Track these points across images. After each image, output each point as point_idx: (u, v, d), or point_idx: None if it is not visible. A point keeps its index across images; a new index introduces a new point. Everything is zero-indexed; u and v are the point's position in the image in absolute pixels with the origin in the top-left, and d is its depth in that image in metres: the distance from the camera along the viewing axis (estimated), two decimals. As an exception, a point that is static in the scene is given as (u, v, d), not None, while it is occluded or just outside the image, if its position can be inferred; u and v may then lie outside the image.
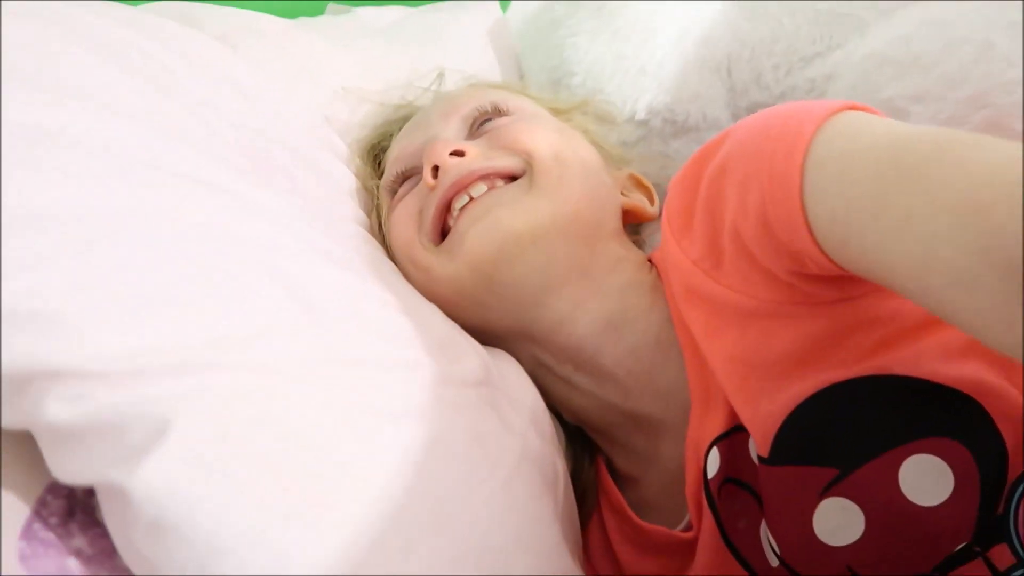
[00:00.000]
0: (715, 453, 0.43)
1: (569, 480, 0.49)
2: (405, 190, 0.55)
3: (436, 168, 0.50)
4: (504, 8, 0.83)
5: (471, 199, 0.49)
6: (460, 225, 0.49)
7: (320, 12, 0.82)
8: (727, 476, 0.43)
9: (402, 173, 0.56)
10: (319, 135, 0.59)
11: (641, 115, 0.68)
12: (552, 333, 0.49)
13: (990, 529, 0.35)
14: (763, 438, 0.40)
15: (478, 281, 0.48)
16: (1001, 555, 0.35)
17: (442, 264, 0.49)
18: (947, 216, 0.29)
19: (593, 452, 0.54)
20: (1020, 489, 0.35)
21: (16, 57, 0.38)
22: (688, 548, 0.46)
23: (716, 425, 0.44)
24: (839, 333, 0.39)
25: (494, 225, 0.47)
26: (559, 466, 0.47)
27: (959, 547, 0.36)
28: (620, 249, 0.53)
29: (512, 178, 0.50)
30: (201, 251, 0.36)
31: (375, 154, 0.61)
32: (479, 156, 0.51)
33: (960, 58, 0.54)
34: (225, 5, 0.66)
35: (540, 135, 0.52)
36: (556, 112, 0.60)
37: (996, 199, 0.27)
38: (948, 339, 0.38)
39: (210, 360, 0.32)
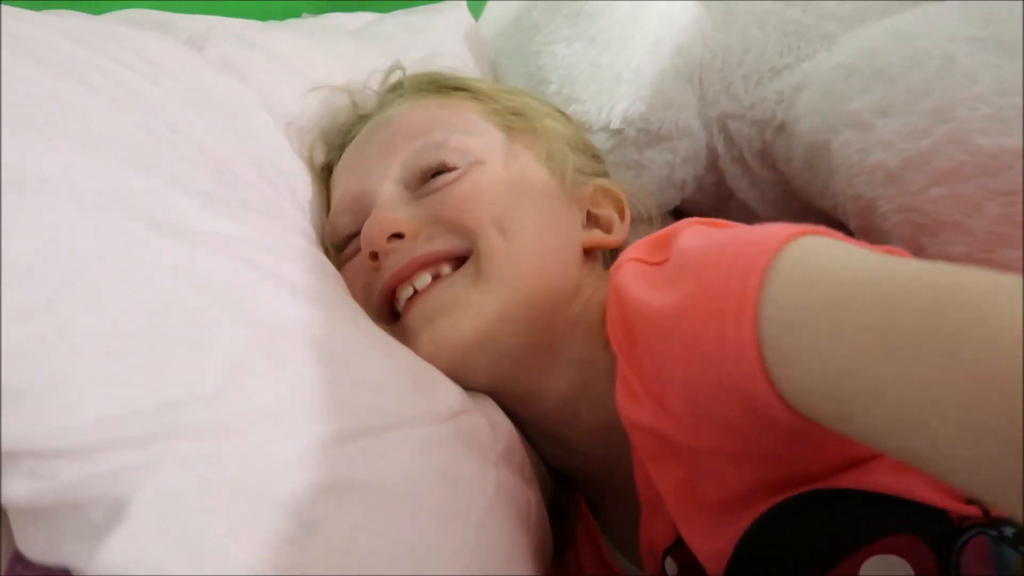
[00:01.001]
0: (671, 561, 0.43)
1: (543, 510, 0.48)
2: (351, 251, 0.52)
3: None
4: (478, 11, 0.83)
5: (415, 291, 0.47)
6: (409, 322, 0.47)
7: (294, 21, 0.80)
8: (692, 572, 0.42)
9: (344, 235, 0.53)
10: (288, 141, 0.58)
11: (616, 124, 0.69)
12: (520, 404, 0.49)
13: None
14: (715, 569, 0.39)
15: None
16: None
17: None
18: (972, 393, 0.23)
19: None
20: (956, 547, 0.34)
21: None
22: None
23: (666, 534, 0.43)
24: (787, 468, 0.37)
25: (441, 337, 0.45)
26: (532, 498, 0.47)
27: None
28: (578, 308, 0.49)
29: (458, 257, 0.48)
30: (162, 303, 0.34)
31: (328, 169, 0.58)
32: (420, 238, 0.48)
33: (924, 72, 0.56)
34: (199, 14, 0.64)
35: (484, 206, 0.48)
36: (515, 115, 0.56)
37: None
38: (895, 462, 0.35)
39: (169, 426, 0.31)
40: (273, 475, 0.33)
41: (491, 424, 0.46)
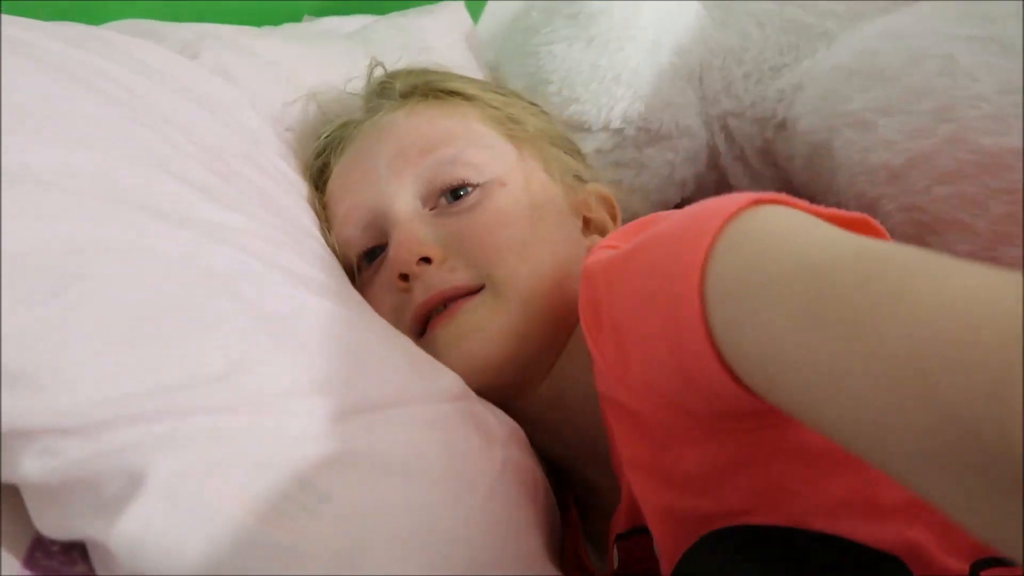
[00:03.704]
0: (615, 551, 0.43)
1: (551, 492, 0.49)
2: (371, 273, 0.52)
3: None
4: (477, 10, 0.82)
5: (444, 306, 0.48)
6: (439, 340, 0.48)
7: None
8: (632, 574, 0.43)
9: (360, 250, 0.52)
10: (279, 141, 0.58)
11: (616, 123, 0.69)
12: (512, 396, 0.50)
13: None
14: (667, 568, 0.39)
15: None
16: None
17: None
18: (908, 371, 0.22)
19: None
20: None
21: None
22: None
23: (621, 521, 0.43)
24: (750, 464, 0.36)
25: (472, 357, 0.47)
26: (539, 477, 0.48)
27: None
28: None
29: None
30: (168, 290, 0.35)
31: (320, 170, 0.57)
32: (444, 267, 0.48)
33: (924, 72, 0.56)
34: (201, 18, 0.63)
35: (507, 233, 0.49)
36: (514, 122, 0.56)
37: (987, 349, 0.20)
38: (875, 493, 0.34)
39: (180, 404, 0.32)
40: (284, 449, 0.34)
41: (493, 411, 0.47)
